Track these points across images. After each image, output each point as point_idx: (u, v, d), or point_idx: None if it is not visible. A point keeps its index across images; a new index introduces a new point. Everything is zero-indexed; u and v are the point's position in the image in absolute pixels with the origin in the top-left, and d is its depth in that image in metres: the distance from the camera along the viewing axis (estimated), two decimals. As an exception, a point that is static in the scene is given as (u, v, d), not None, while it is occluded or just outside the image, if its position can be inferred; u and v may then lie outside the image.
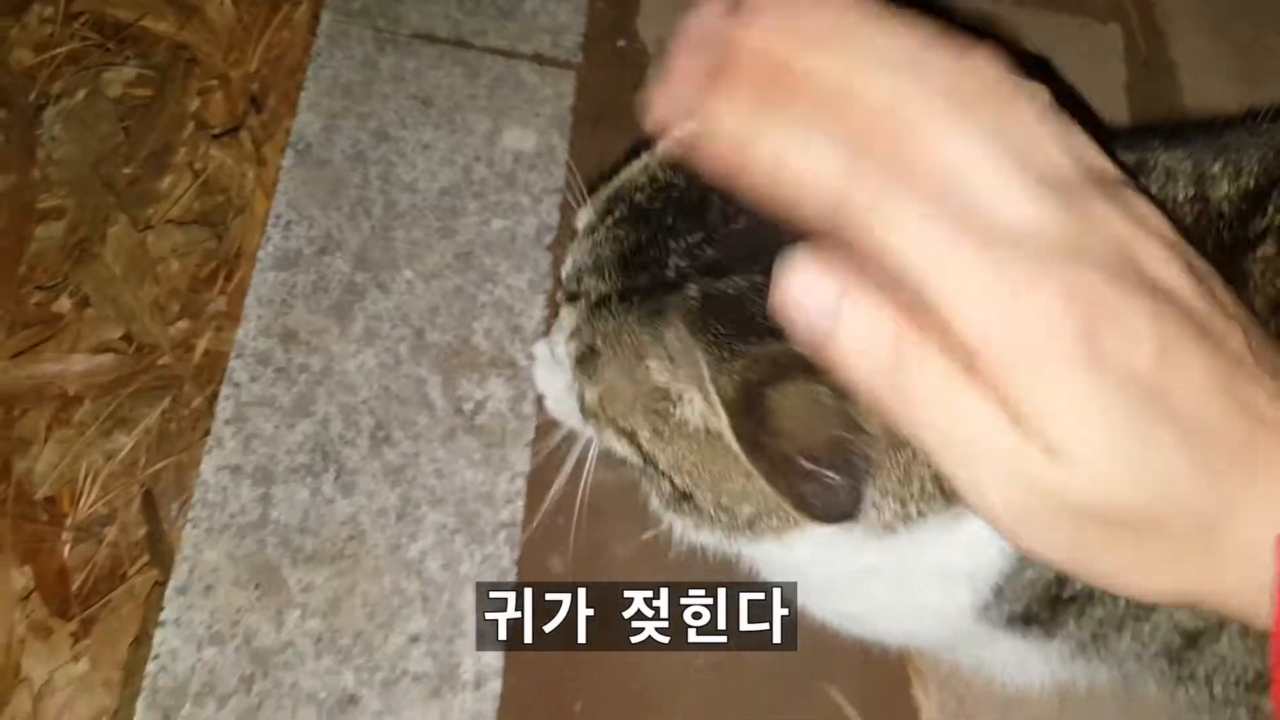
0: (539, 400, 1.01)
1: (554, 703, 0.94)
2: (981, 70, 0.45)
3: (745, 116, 0.45)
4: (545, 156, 1.15)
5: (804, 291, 0.44)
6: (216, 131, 1.18)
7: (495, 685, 0.92)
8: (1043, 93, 0.46)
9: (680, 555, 0.99)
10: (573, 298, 0.70)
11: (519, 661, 0.94)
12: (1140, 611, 0.74)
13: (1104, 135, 0.50)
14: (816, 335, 0.44)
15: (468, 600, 0.94)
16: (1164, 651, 0.76)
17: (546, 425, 0.98)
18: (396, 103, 1.16)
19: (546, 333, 1.02)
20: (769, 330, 0.57)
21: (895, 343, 0.43)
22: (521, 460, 1.01)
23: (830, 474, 0.55)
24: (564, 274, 0.73)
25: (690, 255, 0.63)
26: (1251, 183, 0.72)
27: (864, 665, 0.98)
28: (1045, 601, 0.73)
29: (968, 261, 0.42)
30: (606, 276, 0.67)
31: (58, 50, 1.21)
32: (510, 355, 1.04)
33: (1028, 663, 0.85)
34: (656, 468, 0.69)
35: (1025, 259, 0.43)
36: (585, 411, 0.72)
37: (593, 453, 0.84)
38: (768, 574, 0.88)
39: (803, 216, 0.44)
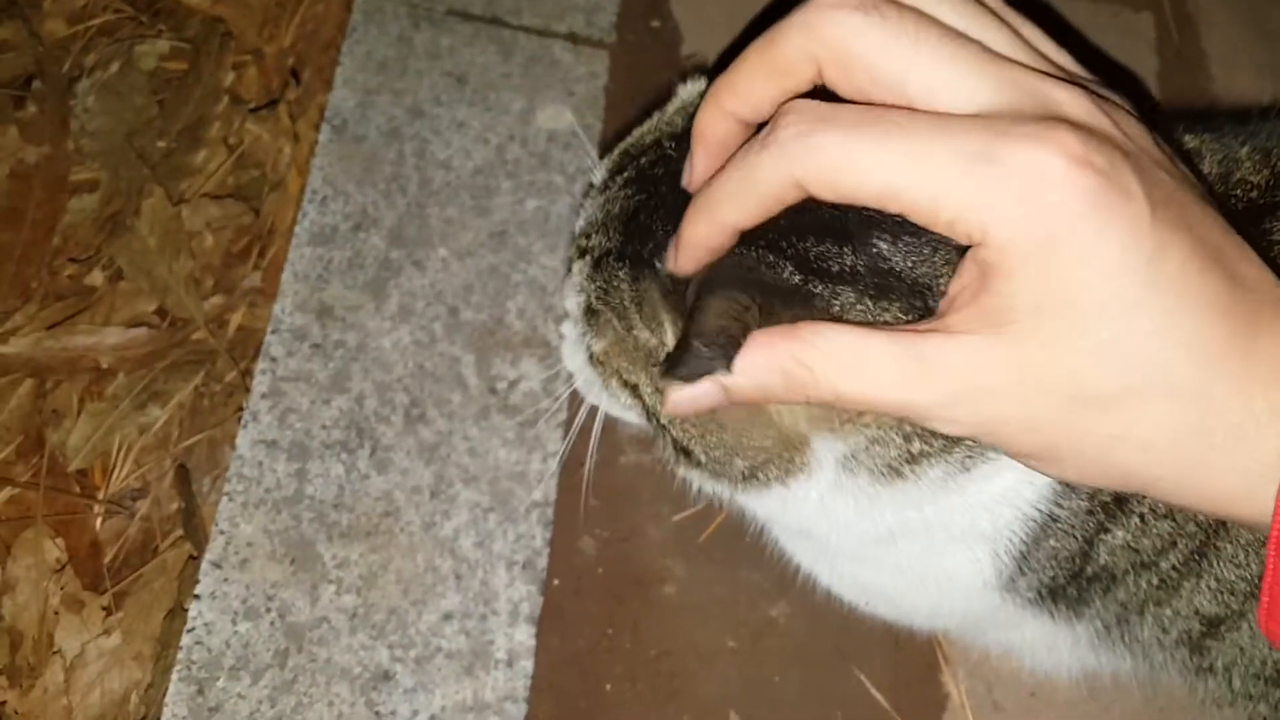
0: (569, 378, 1.01)
1: (585, 682, 0.94)
2: None
3: (700, 221, 0.56)
4: (579, 136, 1.14)
5: (686, 399, 0.55)
6: (251, 106, 1.17)
7: (527, 664, 0.92)
8: None
9: (711, 539, 1.00)
10: (582, 252, 0.71)
11: (551, 640, 0.94)
12: (1161, 595, 0.74)
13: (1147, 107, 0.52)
14: (718, 402, 0.54)
15: (500, 578, 0.95)
16: (1185, 640, 0.76)
17: (578, 404, 0.98)
18: (431, 80, 1.15)
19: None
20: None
21: (781, 368, 0.51)
22: (554, 440, 1.01)
23: (706, 349, 0.56)
24: (576, 228, 0.73)
25: (667, 243, 0.63)
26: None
27: (893, 651, 0.98)
28: (1069, 575, 0.73)
29: (926, 150, 0.46)
30: (610, 234, 0.68)
31: (91, 22, 1.20)
32: (544, 335, 1.04)
33: (1055, 647, 0.85)
34: (658, 422, 0.70)
35: (998, 123, 0.46)
36: (593, 361, 0.73)
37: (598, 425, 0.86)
38: (786, 540, 0.88)
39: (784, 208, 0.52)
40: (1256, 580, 0.70)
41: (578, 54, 1.20)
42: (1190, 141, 0.74)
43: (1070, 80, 0.50)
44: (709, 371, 0.55)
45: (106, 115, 1.15)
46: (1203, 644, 0.76)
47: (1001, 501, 0.69)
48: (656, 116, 0.74)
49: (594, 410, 0.90)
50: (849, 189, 0.48)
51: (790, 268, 0.57)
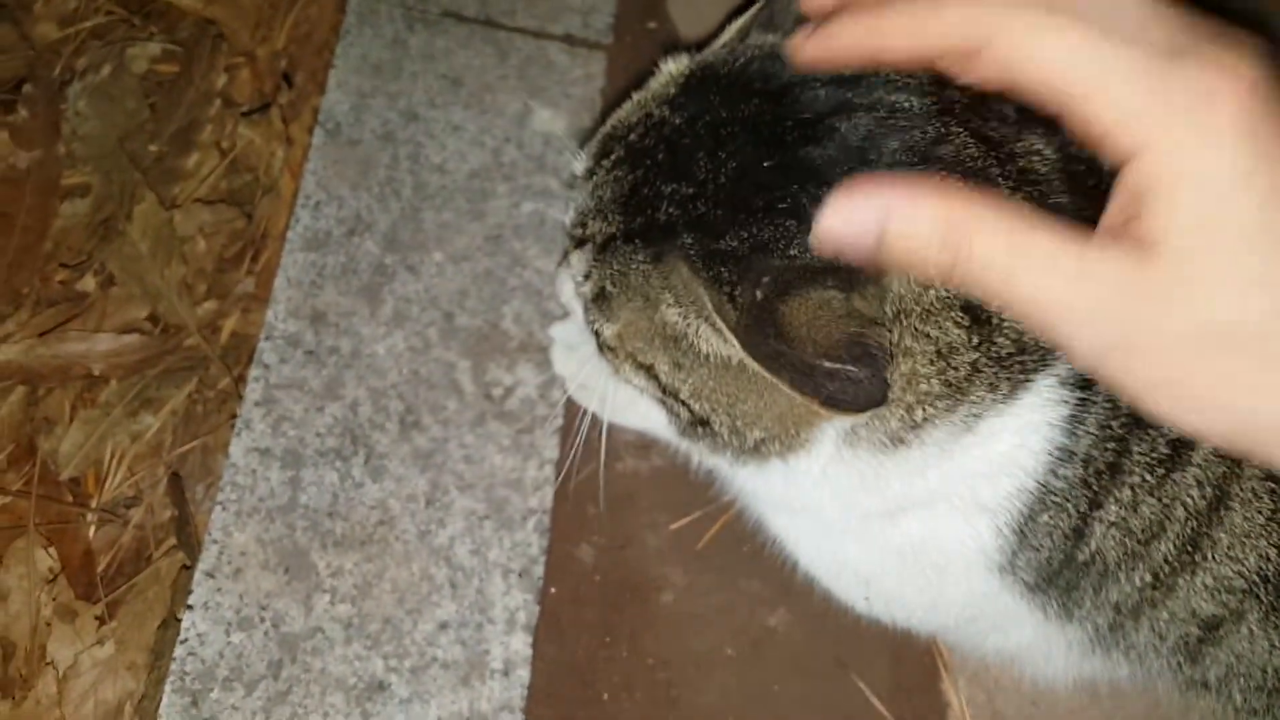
0: (564, 384, 1.00)
1: (582, 691, 0.93)
2: None
3: (863, 21, 0.54)
4: (575, 139, 1.13)
5: (844, 219, 0.50)
6: (244, 109, 1.16)
7: (523, 673, 0.91)
8: None
9: (709, 546, 1.00)
10: (580, 242, 0.70)
11: (548, 649, 0.94)
12: (1156, 596, 0.73)
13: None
14: (865, 250, 0.50)
15: (496, 587, 0.94)
16: (1181, 646, 0.76)
17: (575, 410, 0.97)
18: (426, 82, 1.15)
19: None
20: (766, 264, 0.60)
21: (944, 226, 0.48)
22: (550, 446, 1.00)
23: (852, 368, 0.57)
24: (568, 220, 0.73)
25: (680, 204, 0.64)
26: None
27: (893, 659, 0.97)
28: (1064, 556, 0.73)
29: (1112, 47, 0.46)
30: (610, 218, 0.68)
31: (83, 25, 1.20)
32: (540, 340, 1.03)
33: (1051, 653, 0.84)
34: (677, 397, 0.70)
35: (1177, 45, 0.46)
36: (603, 348, 0.72)
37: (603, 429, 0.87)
38: (786, 526, 0.88)
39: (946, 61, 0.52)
40: (1254, 576, 0.70)
41: (574, 56, 1.19)
42: None
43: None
44: (879, 380, 0.57)
45: (98, 119, 1.14)
46: (1200, 651, 0.75)
47: (1001, 470, 0.70)
48: (638, 95, 0.73)
49: (591, 417, 0.89)
50: (1025, 65, 0.48)
51: None
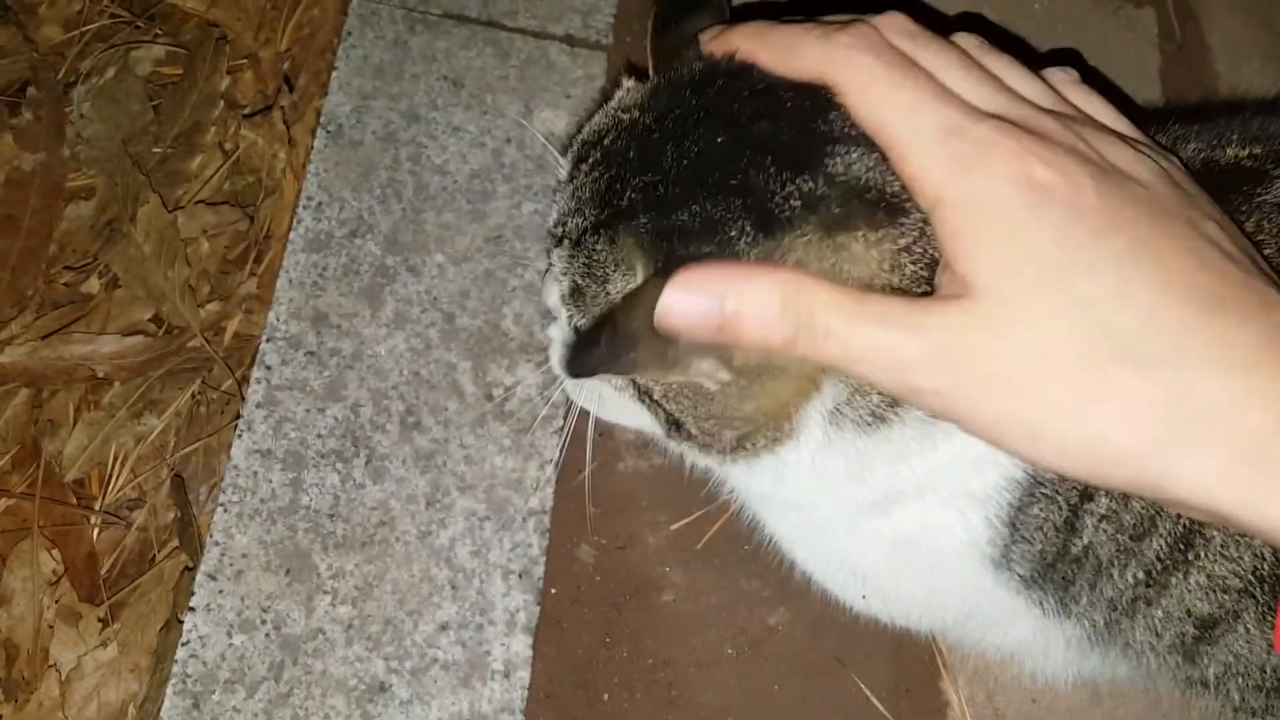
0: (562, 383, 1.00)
1: (583, 692, 0.94)
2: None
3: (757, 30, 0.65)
4: (539, 140, 1.14)
5: (685, 302, 0.55)
6: (247, 111, 1.17)
7: (524, 674, 0.92)
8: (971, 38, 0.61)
9: (710, 546, 1.00)
10: (559, 240, 0.71)
11: (548, 650, 0.94)
12: (1150, 594, 0.73)
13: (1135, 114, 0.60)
14: (711, 328, 0.55)
15: (497, 588, 0.94)
16: (1178, 645, 0.76)
17: (575, 411, 0.98)
18: (427, 83, 1.15)
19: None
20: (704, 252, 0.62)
21: (783, 297, 0.53)
22: (551, 447, 1.00)
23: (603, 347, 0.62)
24: (549, 223, 0.74)
25: (643, 190, 0.65)
26: (1263, 150, 0.76)
27: (893, 658, 0.97)
28: (1057, 550, 0.73)
29: (919, 108, 0.54)
30: (585, 215, 0.69)
31: (87, 27, 1.20)
32: (540, 341, 1.04)
33: (1049, 650, 0.85)
34: (651, 398, 0.71)
35: (973, 115, 0.53)
36: None
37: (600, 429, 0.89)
38: (781, 523, 0.88)
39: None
40: (1250, 576, 0.70)
41: (575, 56, 1.19)
42: (1179, 130, 0.78)
43: (1050, 112, 0.57)
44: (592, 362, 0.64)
45: (102, 121, 1.15)
46: (1197, 650, 0.75)
47: (988, 460, 0.70)
48: (607, 105, 0.75)
49: (590, 417, 0.90)
50: (860, 112, 0.58)
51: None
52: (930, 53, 0.58)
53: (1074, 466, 0.53)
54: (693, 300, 0.55)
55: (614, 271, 0.66)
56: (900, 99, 0.55)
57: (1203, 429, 0.48)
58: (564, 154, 0.76)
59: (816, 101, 0.63)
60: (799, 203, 0.61)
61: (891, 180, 0.61)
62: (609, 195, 0.67)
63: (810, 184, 0.62)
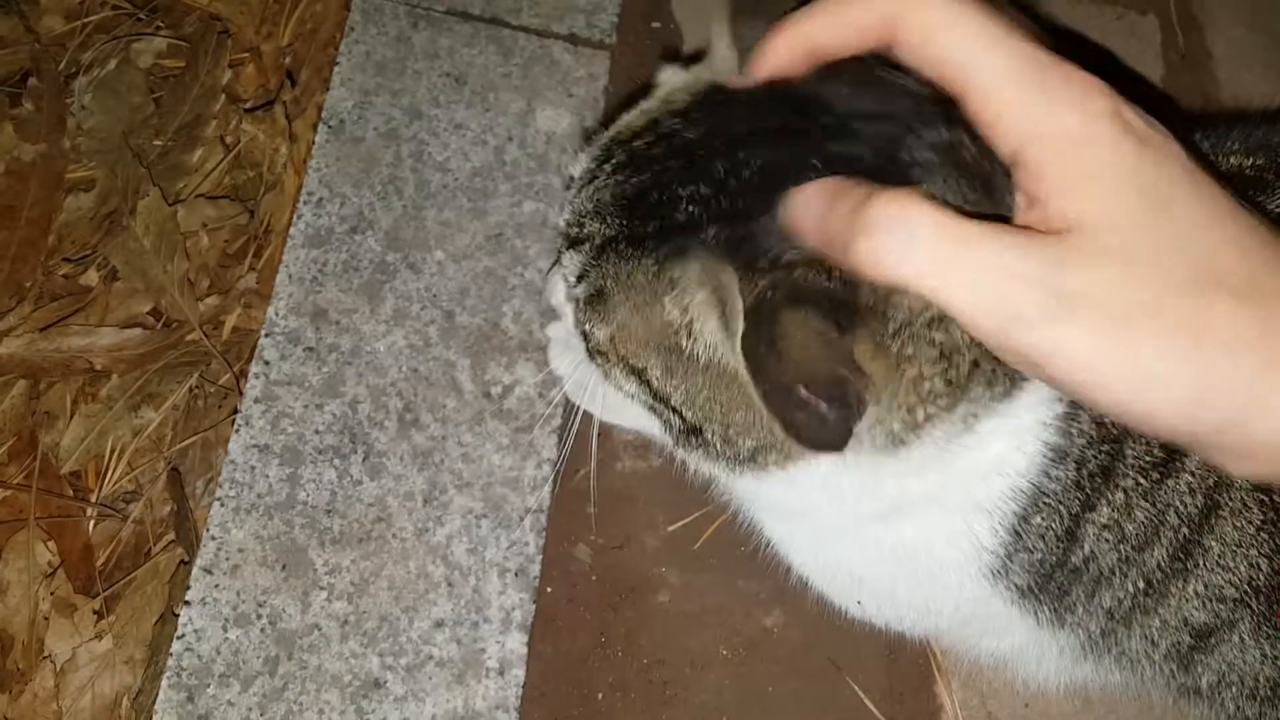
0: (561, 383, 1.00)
1: (577, 691, 0.94)
2: None
3: (785, 28, 0.59)
4: (578, 138, 1.13)
5: (806, 208, 0.55)
6: (248, 105, 1.17)
7: (519, 672, 0.92)
8: None
9: (706, 547, 1.00)
10: (575, 242, 0.70)
11: (543, 649, 0.94)
12: (1148, 603, 0.73)
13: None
14: (827, 237, 0.53)
15: (493, 586, 0.94)
16: (1173, 654, 0.76)
17: (573, 410, 0.97)
18: (429, 80, 1.15)
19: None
20: (789, 262, 0.59)
21: (908, 226, 0.50)
22: (549, 446, 1.00)
23: (825, 405, 0.57)
24: (563, 220, 0.72)
25: (701, 203, 0.63)
26: (1265, 160, 0.77)
27: (887, 662, 0.98)
28: (1057, 559, 0.73)
29: (1000, 43, 0.51)
30: (609, 221, 0.67)
31: (89, 19, 1.20)
32: (539, 339, 1.04)
33: (1044, 657, 0.85)
34: (667, 404, 0.70)
35: (1056, 58, 0.51)
36: (593, 352, 0.72)
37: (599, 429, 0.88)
38: (780, 529, 0.88)
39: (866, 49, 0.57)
40: (1245, 586, 0.70)
41: (578, 55, 1.19)
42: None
43: None
44: (844, 427, 0.58)
45: (103, 113, 1.15)
46: (1192, 659, 0.76)
47: (995, 471, 0.70)
48: (644, 104, 0.73)
49: (590, 416, 0.90)
50: (931, 53, 0.53)
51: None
52: None
53: (1168, 405, 0.51)
54: (818, 202, 0.55)
55: (669, 293, 0.64)
56: (977, 36, 0.52)
57: None
58: (580, 147, 0.75)
59: (896, 129, 0.61)
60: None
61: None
62: (647, 206, 0.65)
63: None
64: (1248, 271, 0.48)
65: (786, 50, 0.60)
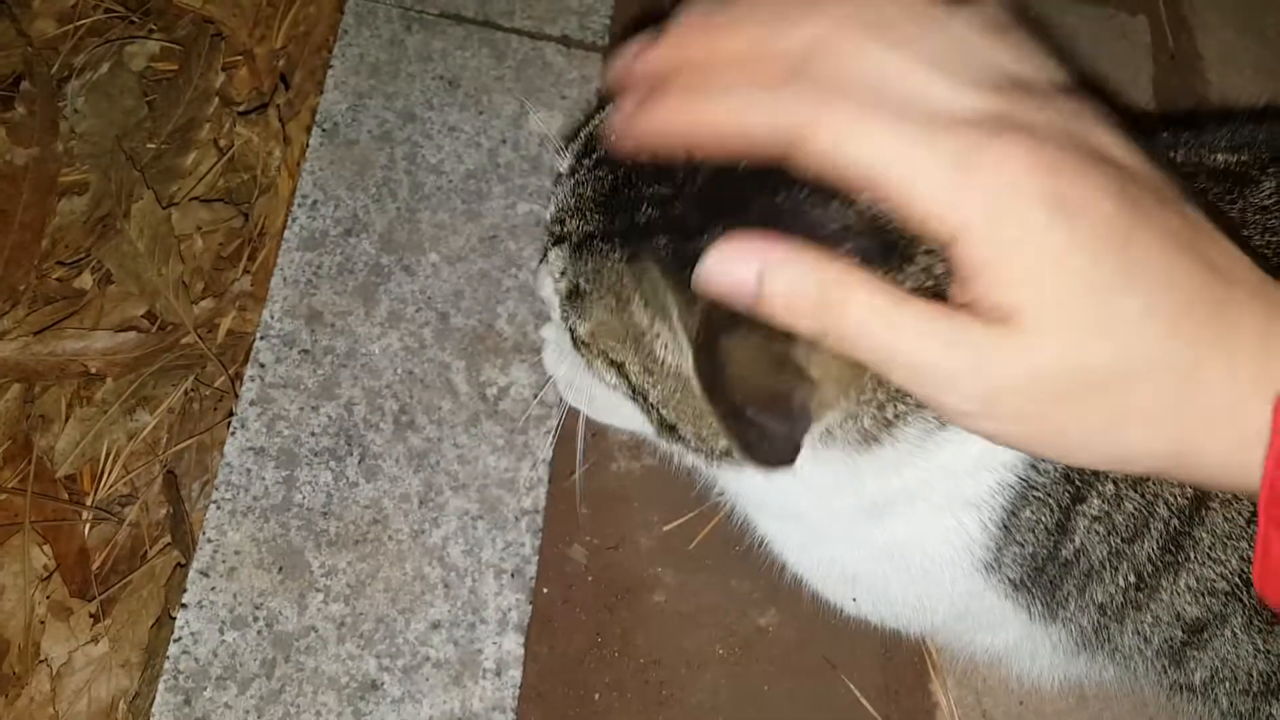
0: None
1: (573, 691, 0.94)
2: (902, 1, 0.53)
3: (680, 107, 0.54)
4: (566, 139, 1.14)
5: (723, 270, 0.52)
6: (242, 108, 1.17)
7: (515, 674, 0.92)
8: (986, 9, 0.54)
9: (701, 547, 1.00)
10: (558, 240, 0.71)
11: (539, 649, 0.94)
12: (1140, 597, 0.74)
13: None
14: (745, 300, 0.52)
15: (489, 587, 0.94)
16: (1165, 649, 0.77)
17: (568, 411, 0.98)
18: (423, 83, 1.15)
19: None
20: None
21: (820, 286, 0.50)
22: (543, 447, 1.01)
23: (771, 422, 0.59)
24: (548, 216, 0.73)
25: (659, 205, 0.63)
26: (1249, 157, 0.77)
27: (882, 660, 0.98)
28: (1048, 553, 0.73)
29: (913, 145, 0.48)
30: (588, 217, 0.68)
31: (81, 22, 1.20)
32: (534, 341, 1.04)
33: (1037, 653, 0.85)
34: (646, 399, 0.71)
35: (972, 135, 0.48)
36: (577, 344, 0.73)
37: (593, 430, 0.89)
38: (772, 529, 0.88)
39: (761, 153, 0.52)
40: (1236, 578, 0.71)
41: (570, 58, 1.19)
42: (1168, 139, 0.80)
43: (1032, 90, 0.52)
44: (790, 443, 0.59)
45: (96, 116, 1.15)
46: (1185, 654, 0.76)
47: (980, 465, 0.71)
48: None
49: (583, 417, 0.90)
50: (843, 160, 0.50)
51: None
52: (887, 47, 0.52)
53: (1111, 466, 0.57)
54: (731, 269, 0.53)
55: (635, 296, 0.65)
56: (891, 142, 0.49)
57: (1220, 421, 0.49)
58: (567, 146, 0.75)
59: None
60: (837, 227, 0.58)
61: None
62: (618, 202, 0.66)
63: (848, 212, 0.57)
64: (1175, 349, 0.48)
65: (667, 126, 0.56)
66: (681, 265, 0.60)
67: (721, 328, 0.57)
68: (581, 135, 0.74)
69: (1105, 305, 0.48)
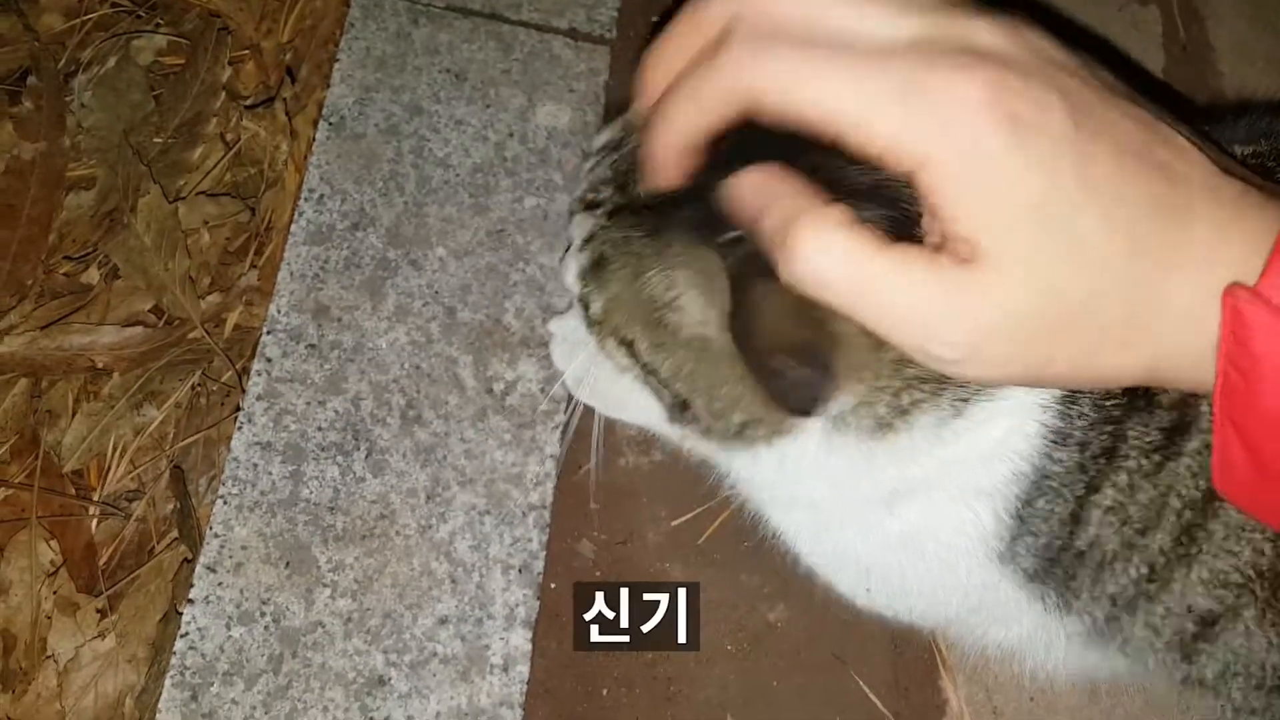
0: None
1: (581, 688, 0.94)
2: None
3: (657, 125, 0.57)
4: (579, 133, 1.13)
5: (739, 202, 0.54)
6: (249, 102, 1.17)
7: (523, 669, 0.92)
8: None
9: (710, 542, 1.00)
10: (590, 206, 0.71)
11: (547, 645, 0.94)
12: (1152, 589, 0.73)
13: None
14: (775, 240, 0.51)
15: (496, 582, 0.94)
16: (1177, 642, 0.76)
17: (577, 406, 0.97)
18: (430, 76, 1.14)
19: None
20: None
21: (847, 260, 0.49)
22: (552, 442, 1.00)
23: (794, 372, 0.60)
24: (582, 187, 0.74)
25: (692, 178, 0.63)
26: (1267, 148, 0.77)
27: (892, 656, 0.97)
28: (1062, 543, 0.73)
29: (858, 81, 0.48)
30: (625, 189, 0.69)
31: (88, 16, 1.19)
32: (541, 335, 1.03)
33: (1051, 645, 0.84)
34: (657, 376, 0.71)
35: (912, 62, 0.48)
36: (589, 322, 0.73)
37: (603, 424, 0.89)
38: (785, 519, 0.87)
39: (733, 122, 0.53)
40: (1249, 570, 0.70)
41: (578, 50, 1.18)
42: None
43: (976, 11, 0.52)
44: (811, 391, 0.61)
45: (103, 111, 1.14)
46: (1196, 648, 0.75)
47: (995, 455, 0.70)
48: None
49: (592, 412, 0.90)
50: (794, 108, 0.50)
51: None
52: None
53: (1090, 388, 0.61)
54: (743, 204, 0.54)
55: (655, 265, 0.66)
56: (836, 81, 0.49)
57: (1180, 331, 0.50)
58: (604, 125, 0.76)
59: None
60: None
61: None
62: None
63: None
64: (1140, 265, 0.49)
65: (675, 160, 0.58)
66: (711, 226, 0.60)
67: (754, 275, 0.57)
68: (619, 120, 0.75)
69: (1067, 230, 0.48)
